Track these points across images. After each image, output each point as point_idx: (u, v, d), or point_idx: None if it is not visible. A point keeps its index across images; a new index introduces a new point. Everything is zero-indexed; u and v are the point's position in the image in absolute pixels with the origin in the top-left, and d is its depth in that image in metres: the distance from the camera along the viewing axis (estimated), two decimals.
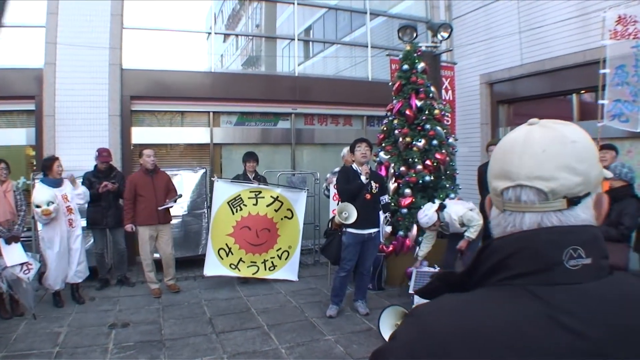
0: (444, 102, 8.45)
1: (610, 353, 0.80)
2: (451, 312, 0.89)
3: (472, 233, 6.10)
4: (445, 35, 8.47)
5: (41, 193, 6.25)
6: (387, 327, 5.05)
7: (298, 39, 10.74)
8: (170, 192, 7.21)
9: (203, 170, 8.85)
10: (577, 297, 0.85)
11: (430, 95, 7.53)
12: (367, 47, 11.17)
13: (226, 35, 11.51)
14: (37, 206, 6.13)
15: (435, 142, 7.24)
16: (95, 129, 8.72)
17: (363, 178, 5.88)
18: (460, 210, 6.20)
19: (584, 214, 0.92)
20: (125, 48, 9.17)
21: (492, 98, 10.37)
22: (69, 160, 7.15)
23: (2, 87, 8.33)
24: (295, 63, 10.73)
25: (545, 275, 0.87)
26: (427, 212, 6.22)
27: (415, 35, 8.07)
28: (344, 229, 5.99)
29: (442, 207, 6.27)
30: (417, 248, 7.05)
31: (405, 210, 7.13)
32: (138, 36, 9.43)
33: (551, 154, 0.92)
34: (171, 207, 7.24)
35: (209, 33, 10.10)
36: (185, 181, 8.41)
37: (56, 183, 6.47)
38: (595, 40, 7.79)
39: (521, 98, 9.98)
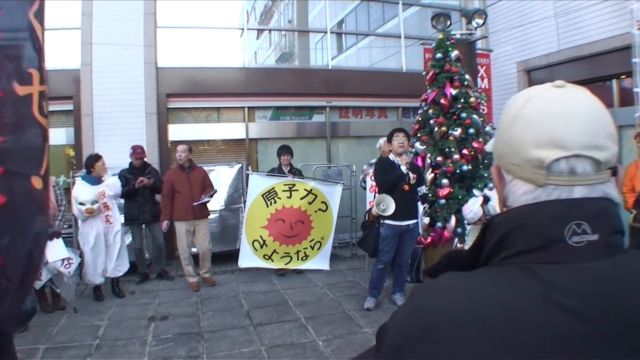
0: (480, 91, 8.26)
1: (610, 335, 0.74)
2: (444, 290, 0.86)
3: None
4: (480, 22, 8.29)
5: (86, 191, 6.37)
6: None
7: (330, 32, 10.68)
8: (207, 188, 7.28)
9: (239, 165, 8.89)
10: (578, 276, 0.78)
11: (465, 83, 7.35)
12: (400, 37, 11.02)
13: (259, 32, 11.53)
14: (81, 204, 6.25)
15: (471, 130, 7.07)
16: (133, 127, 8.82)
17: (403, 168, 5.76)
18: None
19: (613, 187, 0.86)
20: (160, 46, 9.26)
21: (529, 86, 9.96)
22: (107, 158, 7.25)
23: None
24: (328, 56, 10.66)
25: (545, 253, 0.81)
26: (473, 208, 6.08)
27: (449, 23, 7.92)
28: (381, 221, 5.91)
29: (486, 200, 6.13)
30: (456, 240, 6.93)
31: (443, 201, 6.99)
32: (172, 34, 9.51)
33: (601, 121, 0.86)
34: (206, 202, 7.31)
35: (242, 29, 10.12)
36: (222, 176, 8.46)
37: (96, 181, 6.59)
38: (632, 24, 7.58)
39: None
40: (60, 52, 8.82)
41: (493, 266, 0.86)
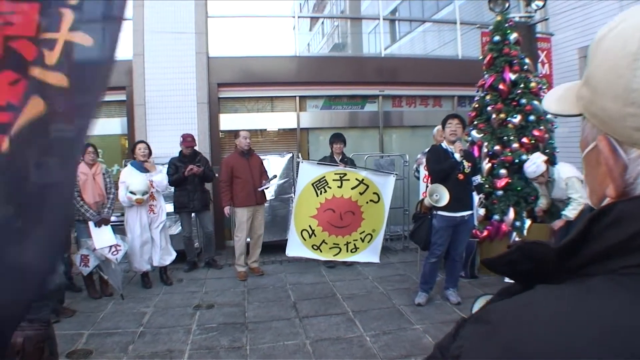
0: (540, 76, 7.83)
1: None
2: (555, 320, 0.54)
3: (570, 211, 5.65)
4: (540, 4, 7.84)
5: (138, 180, 6.35)
6: None
7: (383, 19, 10.41)
8: (263, 174, 7.25)
9: (290, 155, 8.78)
10: None
11: (525, 67, 6.96)
12: (455, 24, 10.65)
13: (312, 23, 11.35)
14: (132, 192, 6.24)
15: (532, 117, 6.67)
16: (184, 116, 8.85)
17: (457, 156, 5.42)
18: (569, 172, 5.79)
19: None
20: (211, 36, 9.25)
21: None
22: (159, 148, 7.31)
23: None
24: (381, 44, 10.38)
25: None
26: (536, 161, 5.79)
27: (507, 5, 7.51)
28: (434, 212, 5.62)
29: (552, 162, 5.81)
30: (514, 234, 6.57)
31: (500, 192, 6.63)
32: (223, 24, 9.48)
33: None
34: (267, 188, 7.30)
35: (293, 17, 9.97)
36: (273, 166, 8.33)
37: (143, 168, 6.59)
38: None
39: None
40: None
41: (613, 277, 0.56)
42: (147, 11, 8.78)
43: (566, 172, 5.79)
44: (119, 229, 6.58)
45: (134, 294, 6.30)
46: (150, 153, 6.80)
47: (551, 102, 0.76)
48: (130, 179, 6.38)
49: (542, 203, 6.20)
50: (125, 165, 7.10)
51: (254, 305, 5.83)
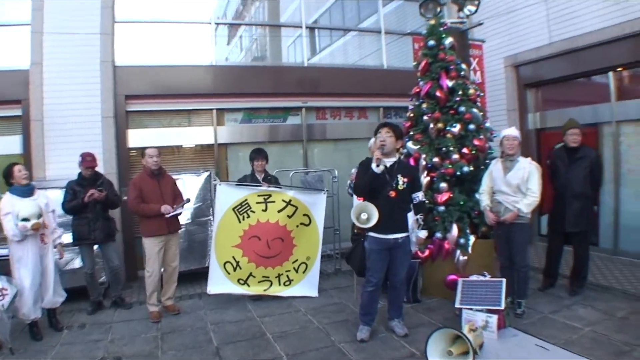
0: (474, 84, 7.49)
1: None
2: None
3: (525, 205, 5.28)
4: (473, 9, 7.46)
5: (26, 204, 5.31)
6: (436, 354, 4.07)
7: (306, 27, 9.91)
8: (177, 198, 6.27)
9: (207, 173, 8.01)
10: None
11: (462, 73, 6.54)
12: (379, 33, 10.37)
13: (230, 36, 10.69)
14: (25, 219, 5.18)
15: (472, 126, 6.21)
16: (88, 132, 7.97)
17: (373, 166, 4.63)
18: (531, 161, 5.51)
19: None
20: (118, 43, 8.40)
21: (518, 82, 9.60)
22: (60, 168, 6.43)
23: None
24: (303, 53, 9.83)
25: None
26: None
27: (439, 9, 7.12)
28: (366, 233, 4.95)
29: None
30: (458, 252, 6.05)
31: (442, 208, 6.10)
32: (132, 30, 8.64)
33: None
34: (179, 214, 6.31)
35: (210, 23, 9.22)
36: (188, 186, 7.51)
37: (26, 192, 5.55)
38: (636, 10, 7.12)
39: (551, 80, 9.12)
40: (7, 51, 7.94)
41: None
42: (47, 15, 7.89)
43: (529, 160, 5.48)
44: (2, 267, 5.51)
45: (26, 346, 5.22)
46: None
47: None
48: (18, 206, 5.32)
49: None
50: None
51: (169, 354, 4.88)
